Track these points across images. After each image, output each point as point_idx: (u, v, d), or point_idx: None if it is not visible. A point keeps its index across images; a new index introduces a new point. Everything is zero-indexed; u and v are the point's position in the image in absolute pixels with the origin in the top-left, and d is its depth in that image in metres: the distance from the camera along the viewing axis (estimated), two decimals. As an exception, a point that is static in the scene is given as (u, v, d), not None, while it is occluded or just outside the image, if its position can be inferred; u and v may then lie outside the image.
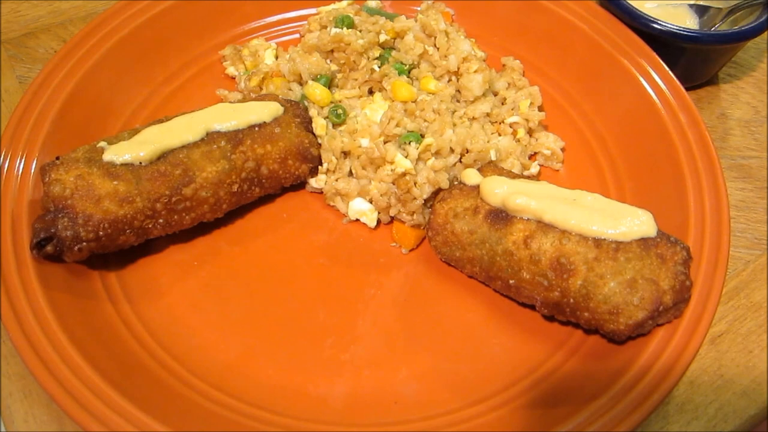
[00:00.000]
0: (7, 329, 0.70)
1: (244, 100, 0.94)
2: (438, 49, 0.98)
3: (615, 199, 0.81)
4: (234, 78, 1.04)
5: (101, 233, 0.76)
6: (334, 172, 0.91)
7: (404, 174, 0.85)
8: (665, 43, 0.98)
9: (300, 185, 0.93)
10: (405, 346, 0.79)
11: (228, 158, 0.83)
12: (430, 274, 0.85)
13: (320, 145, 0.91)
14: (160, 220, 0.80)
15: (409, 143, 0.87)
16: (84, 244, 0.76)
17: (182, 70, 1.03)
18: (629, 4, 1.01)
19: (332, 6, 1.07)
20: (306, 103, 0.95)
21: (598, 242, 0.73)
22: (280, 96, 0.93)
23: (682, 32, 0.97)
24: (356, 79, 0.96)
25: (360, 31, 0.99)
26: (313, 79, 0.96)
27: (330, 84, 0.97)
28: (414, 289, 0.84)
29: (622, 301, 0.71)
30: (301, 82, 0.97)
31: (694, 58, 1.02)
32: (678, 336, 0.72)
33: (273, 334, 0.80)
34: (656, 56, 0.97)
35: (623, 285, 0.71)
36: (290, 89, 0.97)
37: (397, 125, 0.88)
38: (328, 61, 0.98)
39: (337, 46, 0.97)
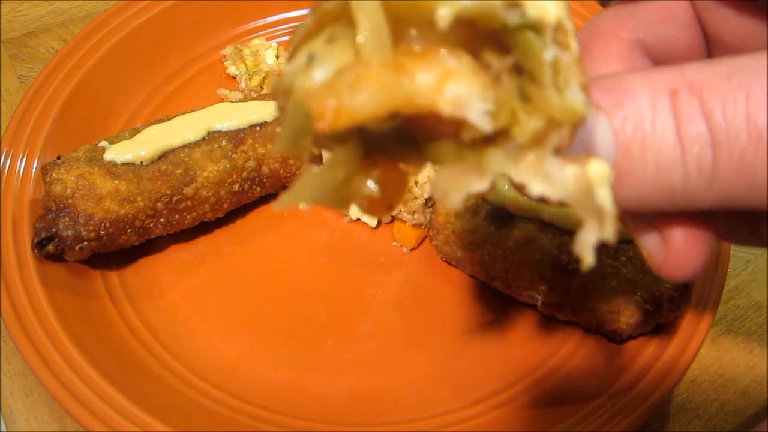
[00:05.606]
0: (8, 328, 0.70)
1: (245, 99, 0.94)
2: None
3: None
4: (235, 77, 1.04)
5: (102, 232, 0.76)
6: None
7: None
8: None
9: (301, 185, 0.92)
10: (406, 346, 0.79)
11: (229, 157, 0.83)
12: (430, 274, 0.85)
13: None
14: (161, 220, 0.80)
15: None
16: (85, 243, 0.76)
17: (183, 70, 1.03)
18: (630, 4, 1.00)
19: (333, 6, 1.07)
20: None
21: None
22: (281, 95, 0.93)
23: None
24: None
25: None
26: (313, 79, 0.96)
27: (331, 84, 0.97)
28: (415, 289, 0.84)
29: (623, 301, 0.71)
30: (302, 82, 0.97)
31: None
32: (679, 335, 0.72)
33: (274, 333, 0.80)
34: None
35: (624, 284, 0.71)
36: (291, 89, 0.97)
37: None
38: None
39: (338, 46, 0.96)
